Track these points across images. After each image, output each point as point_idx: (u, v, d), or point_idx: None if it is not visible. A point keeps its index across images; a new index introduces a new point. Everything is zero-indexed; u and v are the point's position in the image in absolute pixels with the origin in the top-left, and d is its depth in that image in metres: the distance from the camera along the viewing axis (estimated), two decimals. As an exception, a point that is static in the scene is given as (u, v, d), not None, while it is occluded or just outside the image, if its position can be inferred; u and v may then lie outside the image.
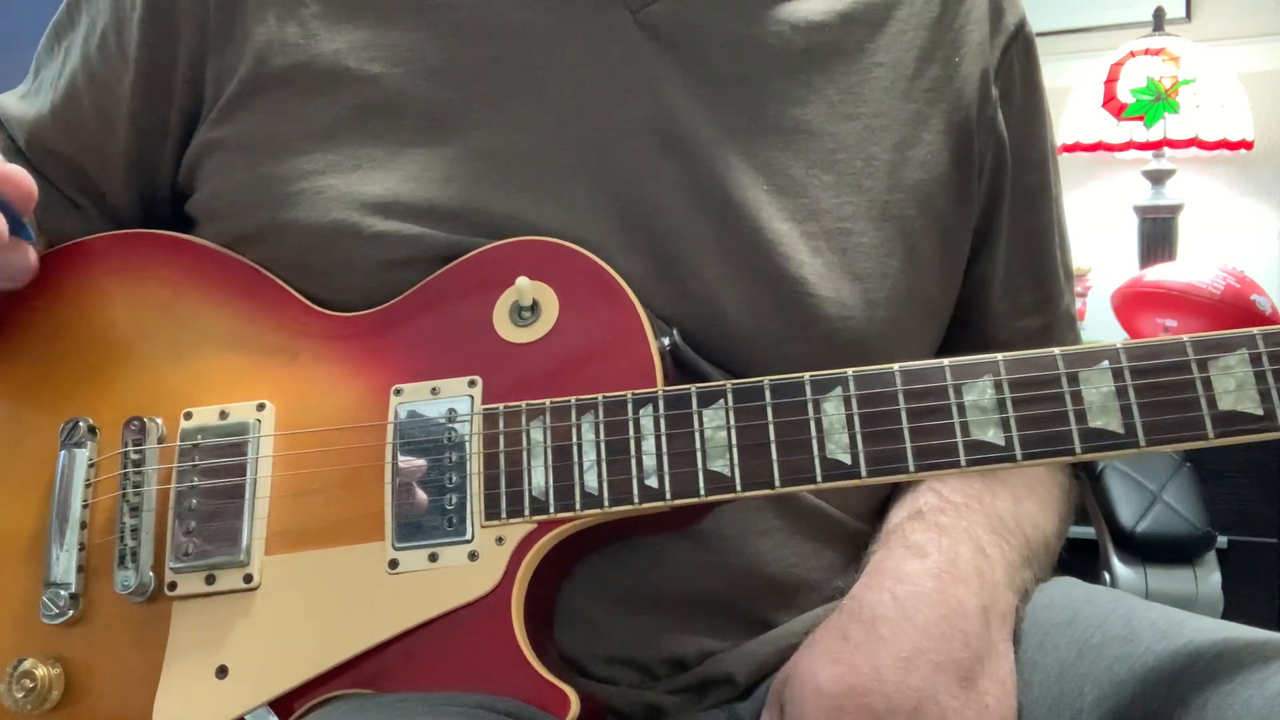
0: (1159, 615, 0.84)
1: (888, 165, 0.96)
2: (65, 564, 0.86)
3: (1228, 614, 1.46)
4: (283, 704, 0.81)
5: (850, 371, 0.79)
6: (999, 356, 0.77)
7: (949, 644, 0.81)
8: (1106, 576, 1.62)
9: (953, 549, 0.87)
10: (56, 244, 0.98)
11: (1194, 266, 2.49)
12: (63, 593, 0.85)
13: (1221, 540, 2.26)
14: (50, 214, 1.00)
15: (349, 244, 0.89)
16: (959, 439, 0.76)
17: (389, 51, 0.92)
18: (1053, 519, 1.00)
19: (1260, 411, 0.73)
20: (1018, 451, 0.75)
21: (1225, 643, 0.77)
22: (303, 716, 0.80)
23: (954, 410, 0.76)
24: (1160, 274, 2.51)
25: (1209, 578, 1.60)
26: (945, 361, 0.78)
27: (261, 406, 0.87)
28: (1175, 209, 2.74)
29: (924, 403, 0.77)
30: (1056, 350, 0.76)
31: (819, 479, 0.77)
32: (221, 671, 0.82)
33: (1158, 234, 2.73)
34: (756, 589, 0.92)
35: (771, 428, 0.79)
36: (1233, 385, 0.73)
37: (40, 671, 0.84)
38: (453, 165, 0.90)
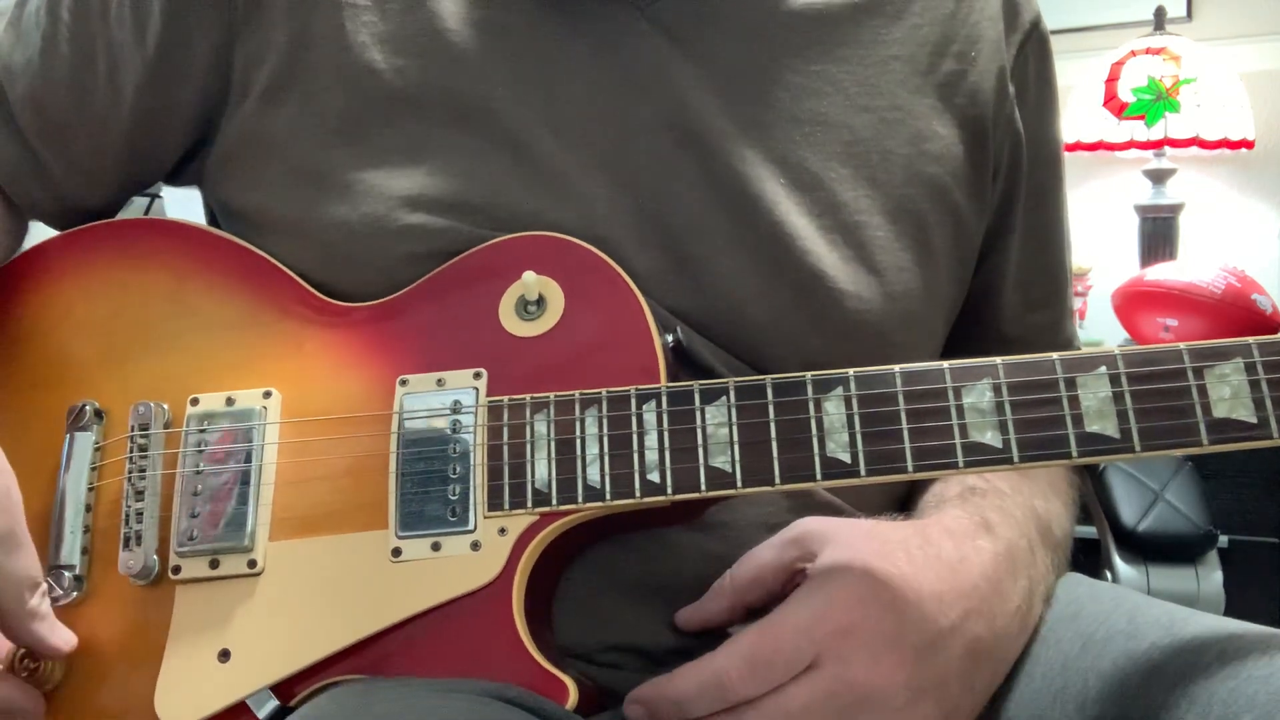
0: (1163, 612, 0.85)
1: (903, 159, 0.97)
2: (69, 546, 0.87)
3: (1229, 612, 1.46)
4: (284, 688, 0.82)
5: (851, 372, 0.79)
6: (998, 360, 0.77)
7: (979, 618, 0.81)
8: (1108, 575, 1.63)
9: (1013, 540, 0.87)
10: (23, 212, 1.00)
11: (1195, 266, 2.50)
12: (66, 574, 0.86)
13: (1223, 539, 2.27)
14: (18, 180, 0.99)
15: (377, 237, 0.89)
16: (957, 440, 0.76)
17: (412, 44, 0.93)
18: (1071, 520, 1.01)
19: (1254, 420, 0.73)
20: (1015, 454, 0.75)
21: (1229, 639, 0.77)
22: (304, 701, 0.81)
23: (953, 412, 0.77)
24: (1161, 273, 2.51)
25: (1210, 576, 1.61)
26: (945, 364, 0.78)
27: (268, 394, 0.88)
28: (1176, 208, 2.75)
29: (923, 404, 0.77)
30: (1055, 355, 0.77)
31: (819, 476, 0.78)
32: (224, 655, 0.82)
33: (1158, 233, 2.74)
34: None
35: (773, 425, 0.79)
36: (1228, 393, 0.74)
37: (44, 652, 0.85)
38: (476, 158, 0.91)
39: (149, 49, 0.95)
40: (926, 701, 0.78)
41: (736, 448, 0.80)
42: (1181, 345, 0.75)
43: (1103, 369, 0.76)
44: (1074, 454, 0.75)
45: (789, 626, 0.78)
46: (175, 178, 1.04)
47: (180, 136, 0.99)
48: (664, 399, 0.82)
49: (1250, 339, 0.75)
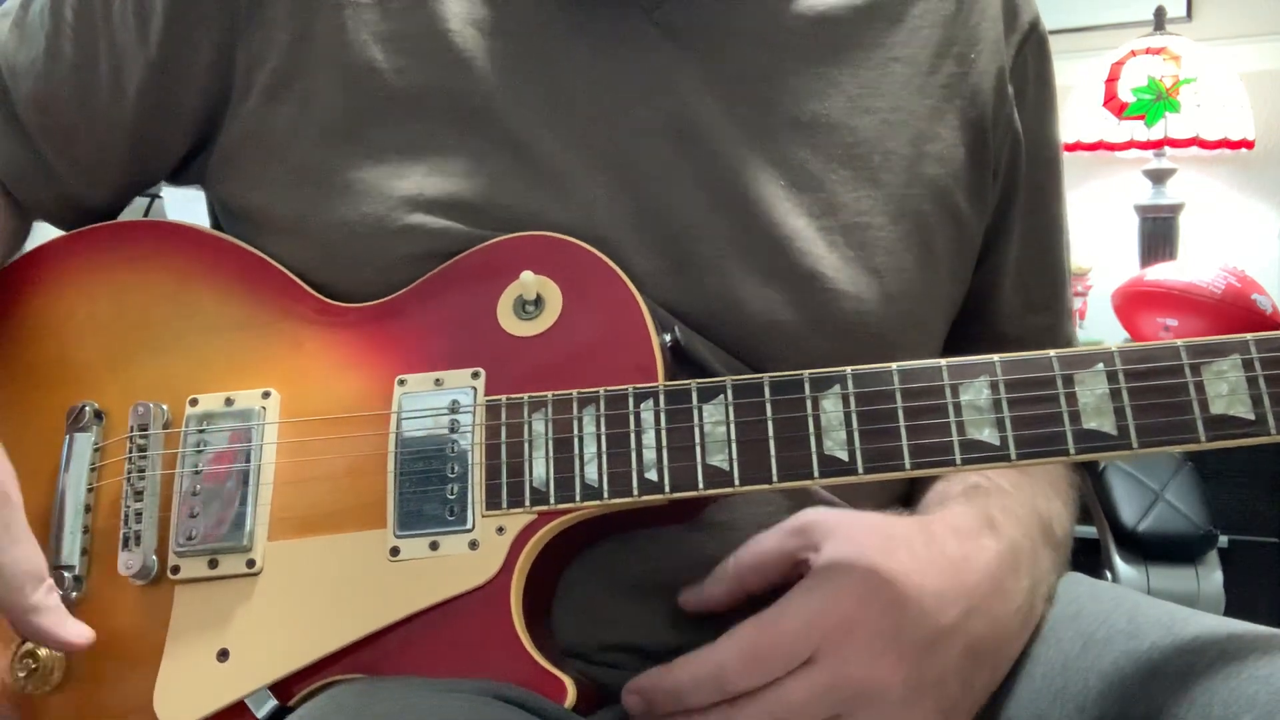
0: (1163, 611, 0.85)
1: (905, 160, 0.97)
2: (69, 546, 0.87)
3: (1229, 613, 1.46)
4: (283, 687, 0.82)
5: (849, 370, 0.79)
6: (995, 358, 0.77)
7: (980, 616, 0.81)
8: (1108, 575, 1.63)
9: (1016, 539, 0.87)
10: (27, 211, 1.00)
11: (1195, 266, 2.50)
12: (66, 575, 0.86)
13: (1223, 539, 2.27)
14: (23, 179, 0.99)
15: (376, 237, 0.89)
16: (954, 438, 0.76)
17: (413, 43, 0.92)
18: (1071, 520, 1.02)
19: (1252, 416, 0.73)
20: (1012, 451, 0.75)
21: (1229, 639, 0.78)
22: (303, 700, 0.81)
23: (950, 410, 0.77)
24: (1161, 273, 2.51)
25: (1211, 576, 1.61)
26: (942, 361, 0.78)
27: (267, 394, 0.88)
28: (1176, 208, 2.75)
29: (920, 401, 0.77)
30: (1052, 352, 0.77)
31: (816, 474, 0.78)
32: (223, 655, 0.82)
33: (1158, 233, 2.74)
34: None
35: (770, 424, 0.79)
36: (1225, 390, 0.74)
37: (43, 652, 0.85)
38: (476, 159, 0.91)
39: (151, 49, 0.95)
40: (925, 699, 0.78)
41: (734, 446, 0.80)
42: (1179, 342, 0.75)
43: (1100, 366, 0.76)
44: (1071, 451, 0.75)
45: (789, 621, 0.79)
46: (178, 177, 1.04)
47: (183, 136, 0.99)
48: (661, 398, 0.81)
49: (1248, 335, 0.74)
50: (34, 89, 0.98)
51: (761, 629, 0.79)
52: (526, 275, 0.85)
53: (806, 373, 0.80)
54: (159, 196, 2.13)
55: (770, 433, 0.79)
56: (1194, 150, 2.67)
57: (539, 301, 0.86)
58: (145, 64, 0.95)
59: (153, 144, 0.99)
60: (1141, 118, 2.64)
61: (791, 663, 0.77)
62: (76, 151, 0.99)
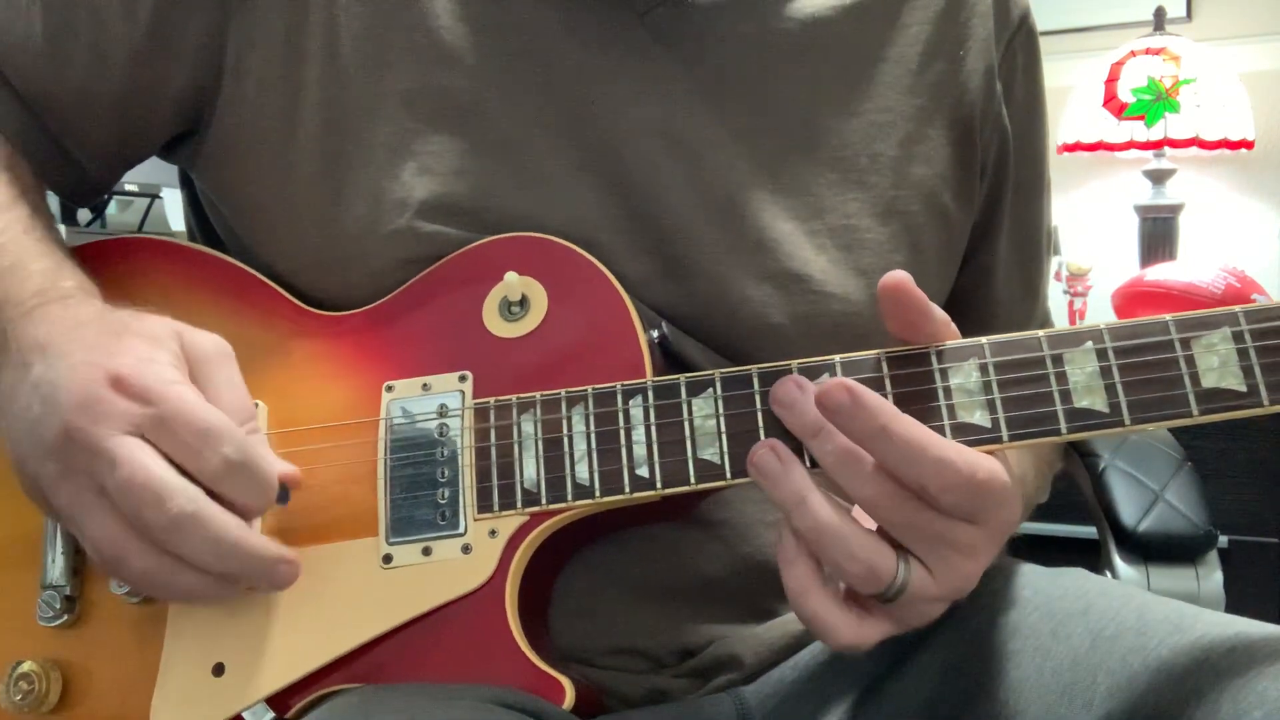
0: (1172, 610, 0.84)
1: (892, 161, 0.97)
2: (61, 566, 0.86)
3: (1229, 613, 1.45)
4: (280, 700, 0.81)
5: (837, 358, 0.79)
6: (984, 340, 0.77)
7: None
8: (1108, 575, 1.62)
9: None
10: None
11: (1195, 266, 2.50)
12: (58, 595, 0.85)
13: (1223, 540, 2.26)
14: (29, 140, 0.96)
15: (368, 241, 0.89)
16: (945, 421, 0.75)
17: (404, 38, 0.92)
18: (1039, 486, 1.05)
19: (1244, 388, 0.73)
20: (1004, 432, 0.75)
21: (1238, 637, 0.77)
22: (302, 713, 0.80)
23: (940, 394, 0.76)
24: (1161, 273, 2.52)
25: (1211, 577, 1.59)
26: (930, 346, 0.77)
27: (255, 406, 0.87)
28: (1176, 208, 2.75)
29: (910, 387, 0.76)
30: (1041, 332, 0.76)
31: (808, 464, 0.77)
32: (218, 669, 0.82)
33: (1158, 233, 2.74)
34: (766, 578, 0.92)
35: (760, 415, 0.78)
36: (1216, 363, 0.73)
37: (38, 674, 0.84)
38: (466, 157, 0.90)
39: (139, 23, 0.92)
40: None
41: (724, 439, 0.79)
42: (1168, 316, 0.74)
43: (1089, 344, 0.75)
44: (1063, 430, 0.74)
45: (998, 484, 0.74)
46: (169, 156, 1.02)
47: (169, 117, 0.97)
48: (650, 393, 0.81)
49: (1236, 307, 0.74)
50: (6, 51, 0.94)
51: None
52: (510, 276, 0.85)
53: (794, 363, 0.79)
54: (158, 197, 2.12)
55: (760, 424, 0.78)
56: (1194, 150, 2.67)
57: (524, 302, 0.86)
58: (130, 43, 0.93)
59: (137, 121, 0.97)
60: (1141, 118, 2.64)
61: (966, 512, 0.73)
62: (59, 115, 0.96)
